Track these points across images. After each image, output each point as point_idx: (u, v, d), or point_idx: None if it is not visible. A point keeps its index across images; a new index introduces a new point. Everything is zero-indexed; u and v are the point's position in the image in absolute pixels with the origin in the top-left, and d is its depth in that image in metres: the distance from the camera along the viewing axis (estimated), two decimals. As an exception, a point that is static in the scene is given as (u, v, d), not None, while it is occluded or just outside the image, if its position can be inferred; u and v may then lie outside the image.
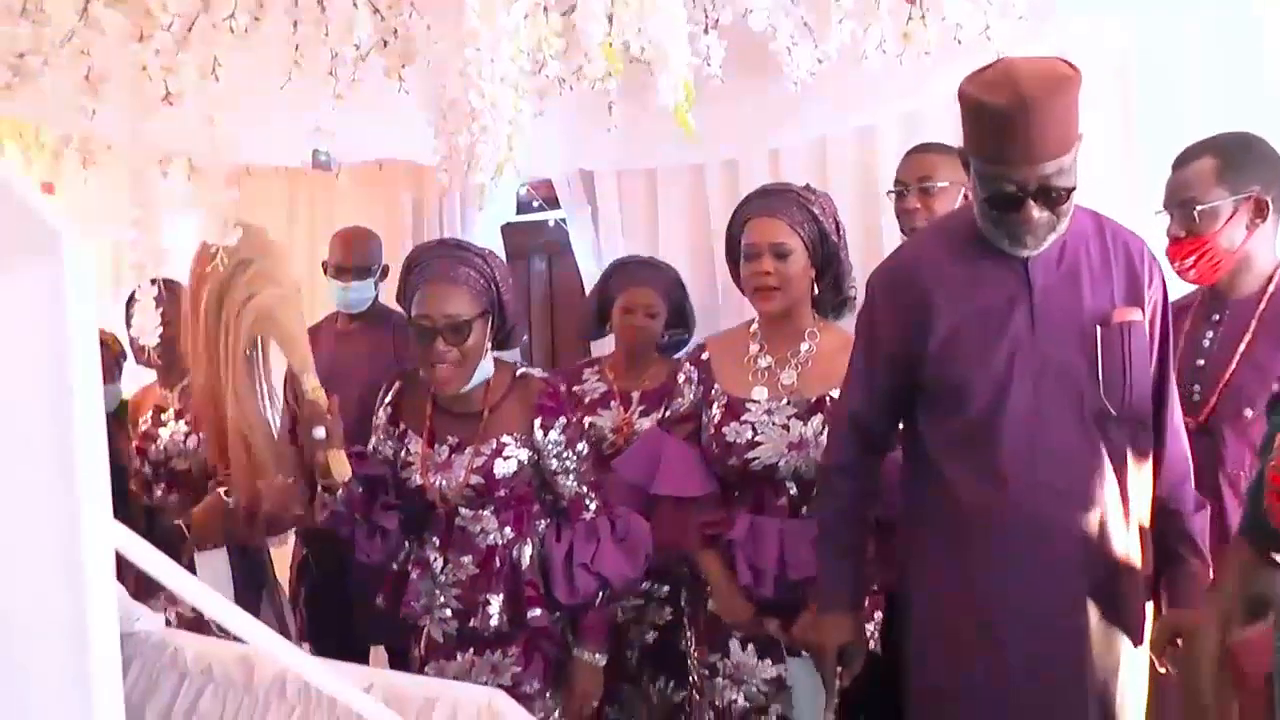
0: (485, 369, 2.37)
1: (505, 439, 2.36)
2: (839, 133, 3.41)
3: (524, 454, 2.36)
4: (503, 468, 2.34)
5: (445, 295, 2.30)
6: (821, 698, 2.34)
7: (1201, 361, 2.31)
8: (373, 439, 2.49)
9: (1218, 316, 2.32)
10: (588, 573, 2.34)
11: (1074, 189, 1.89)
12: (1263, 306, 2.27)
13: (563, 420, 2.39)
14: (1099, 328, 1.96)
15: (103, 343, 3.33)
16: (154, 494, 3.14)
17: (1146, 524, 2.06)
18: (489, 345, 2.37)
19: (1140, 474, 2.03)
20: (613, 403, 3.11)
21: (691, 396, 2.54)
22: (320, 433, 2.11)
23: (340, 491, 2.16)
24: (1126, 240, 2.04)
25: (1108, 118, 2.88)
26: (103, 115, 2.13)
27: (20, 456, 0.83)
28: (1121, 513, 1.99)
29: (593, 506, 2.41)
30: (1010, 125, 1.81)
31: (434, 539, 2.43)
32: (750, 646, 2.45)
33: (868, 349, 2.15)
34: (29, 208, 0.86)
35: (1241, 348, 2.26)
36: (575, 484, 2.40)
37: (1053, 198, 1.88)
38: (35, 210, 0.85)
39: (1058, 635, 1.97)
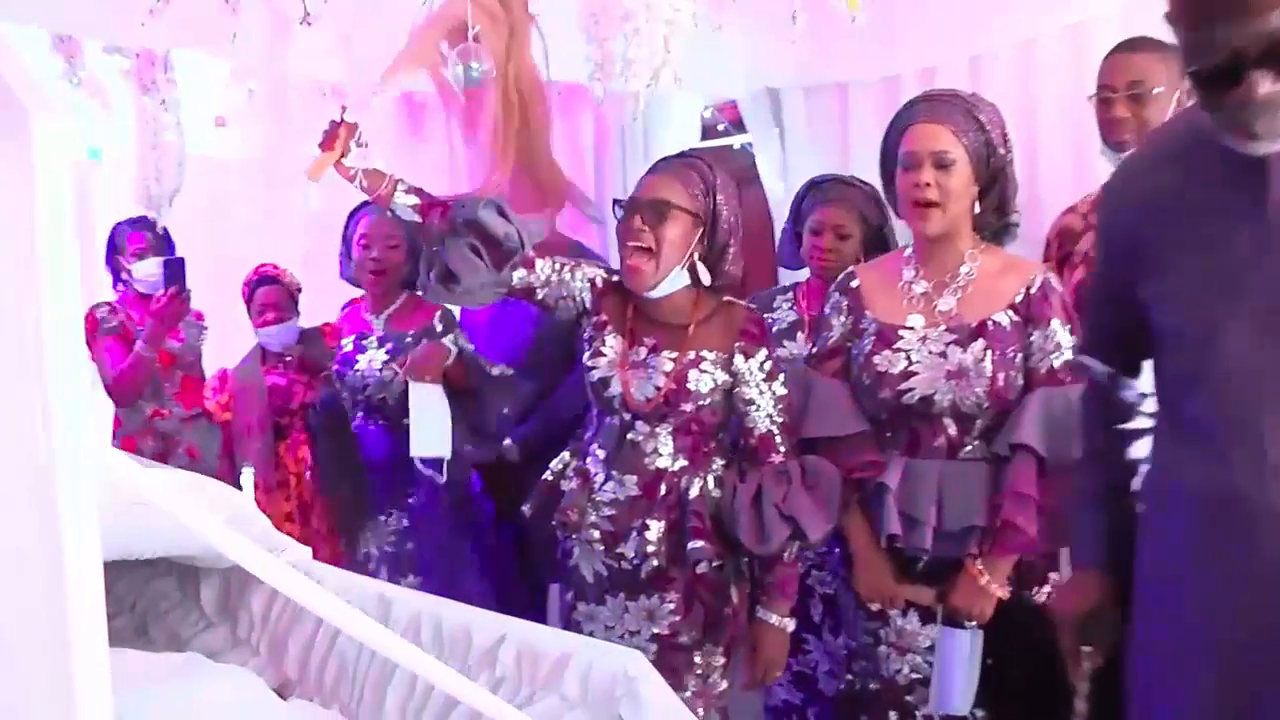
0: (686, 280, 2.26)
1: (705, 353, 2.25)
2: (1048, 32, 3.08)
3: (720, 375, 2.24)
4: (696, 381, 2.22)
5: (657, 182, 2.26)
6: (971, 674, 2.09)
7: None
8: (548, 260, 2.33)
9: None
10: (780, 516, 2.17)
11: None
12: None
13: (764, 351, 2.26)
14: None
15: (275, 279, 3.31)
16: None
17: None
18: (693, 254, 2.24)
19: None
20: (799, 334, 2.89)
21: (840, 329, 2.34)
22: None
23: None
24: None
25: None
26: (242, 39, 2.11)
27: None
28: None
29: (783, 449, 2.25)
30: None
31: (599, 451, 2.31)
32: (912, 611, 2.24)
33: (1093, 286, 1.85)
34: (4, 83, 0.77)
35: None
36: (768, 421, 2.25)
37: None
38: (8, 86, 0.76)
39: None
